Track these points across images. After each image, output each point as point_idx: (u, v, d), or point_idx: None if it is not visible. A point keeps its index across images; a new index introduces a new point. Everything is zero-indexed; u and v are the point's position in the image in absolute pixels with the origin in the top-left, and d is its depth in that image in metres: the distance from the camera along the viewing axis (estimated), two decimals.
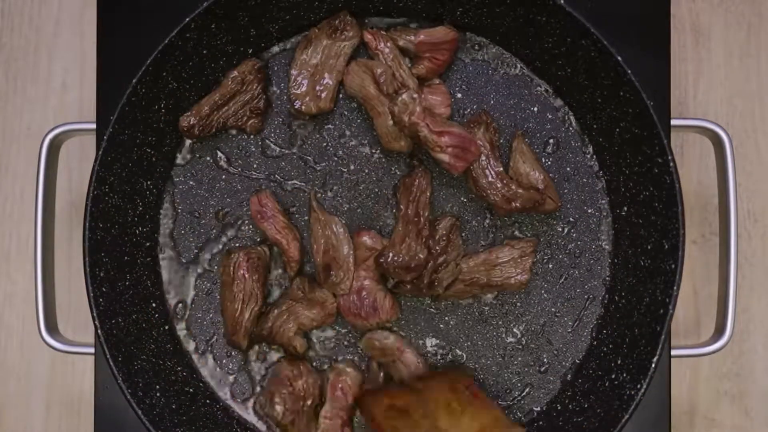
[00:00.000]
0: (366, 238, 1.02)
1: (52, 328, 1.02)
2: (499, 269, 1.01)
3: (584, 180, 1.04)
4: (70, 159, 1.13)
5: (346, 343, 1.04)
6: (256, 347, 1.04)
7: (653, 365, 0.93)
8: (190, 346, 1.04)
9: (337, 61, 1.03)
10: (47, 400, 1.14)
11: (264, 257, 1.02)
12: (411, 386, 0.98)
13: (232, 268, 1.01)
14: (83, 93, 1.14)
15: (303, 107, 1.03)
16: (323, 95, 1.03)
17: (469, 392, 0.97)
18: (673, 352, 1.02)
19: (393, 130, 1.00)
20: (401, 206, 1.01)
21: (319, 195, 1.04)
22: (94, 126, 1.03)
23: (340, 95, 1.05)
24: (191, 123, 1.02)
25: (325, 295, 1.01)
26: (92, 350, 1.02)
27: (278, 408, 1.00)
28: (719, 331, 1.01)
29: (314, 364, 1.04)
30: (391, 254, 0.99)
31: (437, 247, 1.00)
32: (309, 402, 1.01)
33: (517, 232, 1.04)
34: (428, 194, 1.01)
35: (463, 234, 1.04)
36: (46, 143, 1.02)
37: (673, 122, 1.03)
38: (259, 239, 1.04)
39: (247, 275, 1.01)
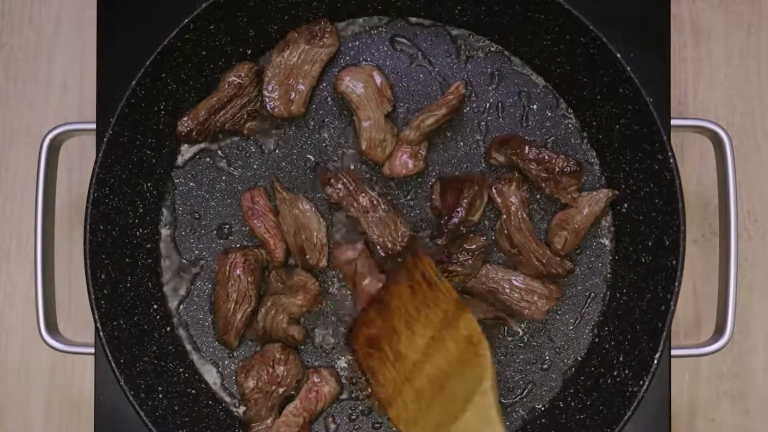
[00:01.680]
0: (348, 252, 1.01)
1: (52, 328, 1.02)
2: (519, 293, 1.01)
3: (584, 177, 1.04)
4: (70, 159, 1.13)
5: (344, 345, 1.04)
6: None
7: (655, 362, 0.92)
8: (192, 347, 1.04)
9: (312, 67, 1.03)
10: (47, 400, 1.13)
11: (261, 259, 1.02)
12: (378, 300, 0.98)
13: (228, 268, 1.00)
14: (83, 93, 1.15)
15: (275, 110, 1.02)
16: (295, 99, 1.02)
17: (426, 282, 0.95)
18: (673, 352, 1.02)
19: (377, 137, 1.00)
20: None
21: (319, 195, 1.04)
22: (94, 126, 1.03)
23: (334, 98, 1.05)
24: (189, 128, 1.02)
25: (304, 277, 1.01)
26: (92, 350, 1.02)
27: (250, 382, 1.01)
28: (719, 331, 1.01)
29: (307, 360, 1.04)
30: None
31: (459, 257, 1.00)
32: (281, 390, 1.01)
33: None
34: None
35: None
36: (46, 143, 1.02)
37: (673, 122, 1.03)
38: (257, 241, 1.04)
39: (242, 276, 1.00)
